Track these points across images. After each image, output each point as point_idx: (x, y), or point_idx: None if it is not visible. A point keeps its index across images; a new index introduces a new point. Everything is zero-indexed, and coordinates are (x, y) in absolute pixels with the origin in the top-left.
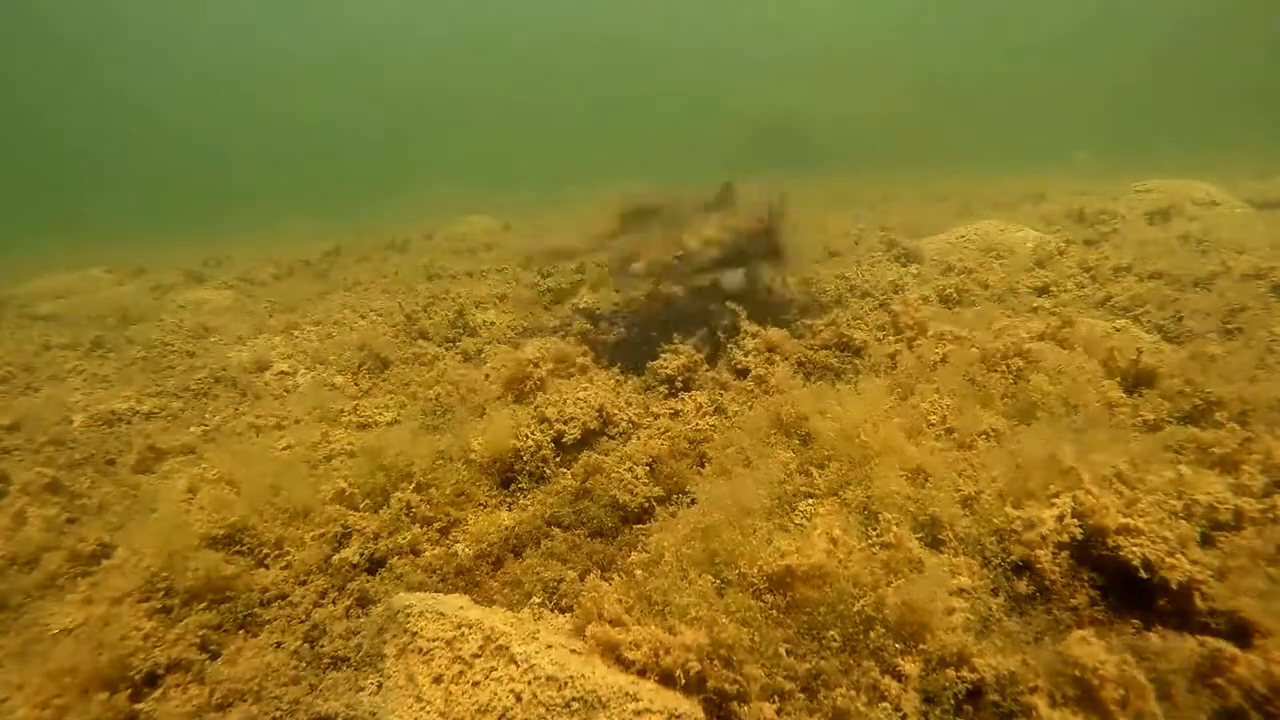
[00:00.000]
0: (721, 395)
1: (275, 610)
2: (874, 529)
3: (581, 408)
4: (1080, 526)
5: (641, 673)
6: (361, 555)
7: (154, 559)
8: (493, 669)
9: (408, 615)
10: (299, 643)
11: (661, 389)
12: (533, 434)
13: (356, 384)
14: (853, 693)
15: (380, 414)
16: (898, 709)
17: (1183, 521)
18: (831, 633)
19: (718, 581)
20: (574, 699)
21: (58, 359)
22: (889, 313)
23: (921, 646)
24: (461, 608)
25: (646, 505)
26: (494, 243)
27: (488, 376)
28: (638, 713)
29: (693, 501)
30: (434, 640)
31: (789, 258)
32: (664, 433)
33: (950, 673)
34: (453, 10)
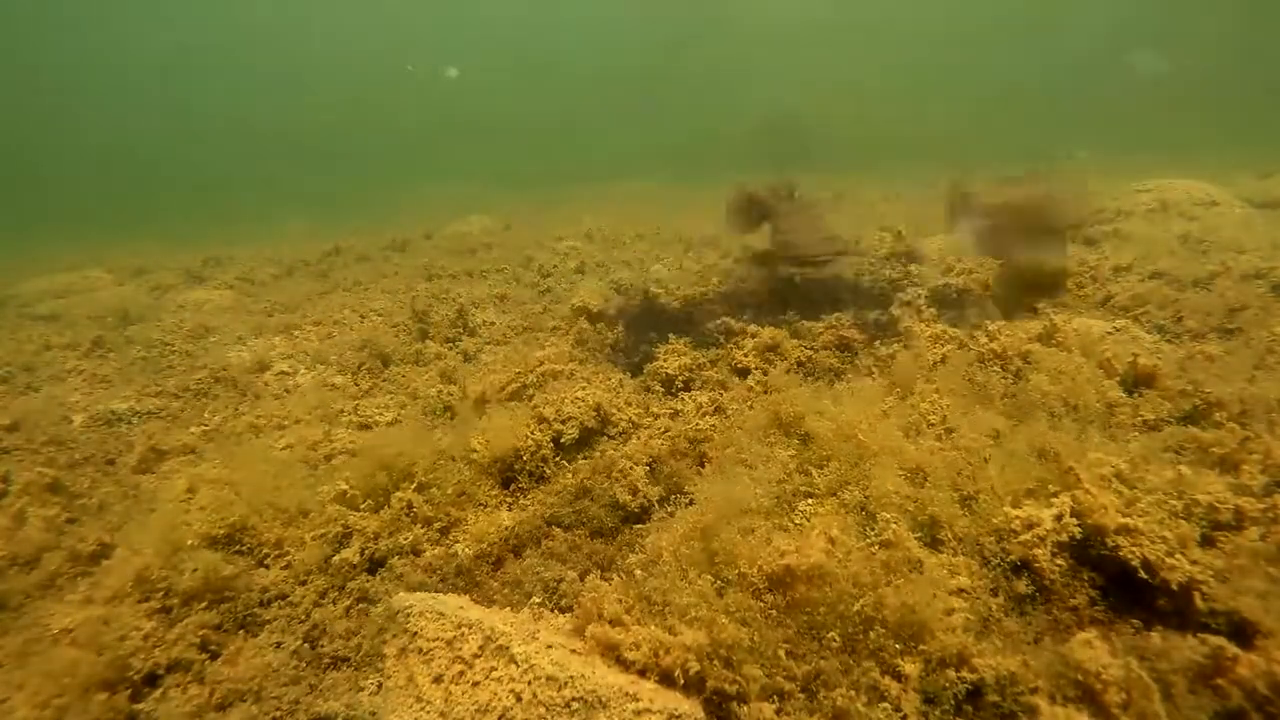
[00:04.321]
0: (721, 395)
1: (275, 610)
2: (873, 528)
3: (580, 408)
4: (1079, 526)
5: (641, 673)
6: (362, 555)
7: (154, 559)
8: (493, 669)
9: (408, 615)
10: (299, 643)
11: (660, 389)
12: (533, 434)
13: (357, 384)
14: (853, 693)
15: (381, 414)
16: (898, 709)
17: (1182, 521)
18: (831, 633)
19: (717, 581)
20: (574, 699)
21: (58, 359)
22: (887, 315)
23: (921, 647)
24: (461, 608)
25: (646, 505)
26: (494, 243)
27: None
28: (638, 713)
29: (692, 501)
30: (434, 640)
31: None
32: (664, 432)
33: (950, 673)
34: (452, 11)
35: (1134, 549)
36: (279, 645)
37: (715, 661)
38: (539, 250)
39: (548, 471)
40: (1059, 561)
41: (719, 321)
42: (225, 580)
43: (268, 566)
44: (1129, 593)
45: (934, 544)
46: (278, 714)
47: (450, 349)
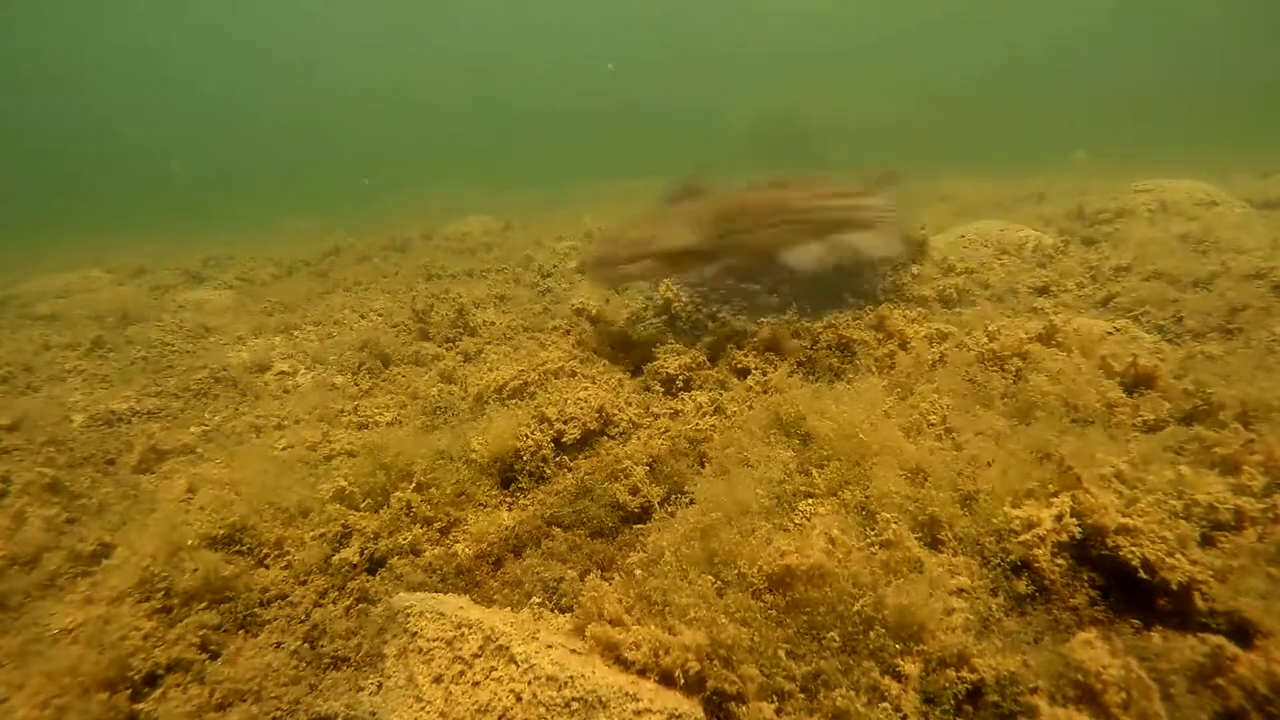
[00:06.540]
0: (721, 395)
1: (275, 610)
2: (873, 528)
3: (581, 408)
4: (1079, 526)
5: (641, 673)
6: (361, 555)
7: (153, 559)
8: (493, 669)
9: (408, 615)
10: (299, 643)
11: (660, 389)
12: (533, 434)
13: (357, 384)
14: (852, 693)
15: (380, 414)
16: (898, 709)
17: (1183, 521)
18: (831, 633)
19: (717, 581)
20: (574, 699)
21: (58, 359)
22: (877, 317)
23: (921, 647)
24: (461, 608)
25: (647, 505)
26: (494, 243)
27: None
28: (638, 713)
29: (692, 501)
30: (434, 640)
31: None
32: (664, 432)
33: (950, 673)
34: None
35: (1134, 549)
36: (279, 645)
37: (715, 661)
38: (539, 250)
39: (548, 471)
40: (1059, 561)
41: (720, 321)
42: (225, 580)
43: (268, 566)
44: (1129, 593)
45: (934, 544)
46: (278, 714)
47: (450, 349)
